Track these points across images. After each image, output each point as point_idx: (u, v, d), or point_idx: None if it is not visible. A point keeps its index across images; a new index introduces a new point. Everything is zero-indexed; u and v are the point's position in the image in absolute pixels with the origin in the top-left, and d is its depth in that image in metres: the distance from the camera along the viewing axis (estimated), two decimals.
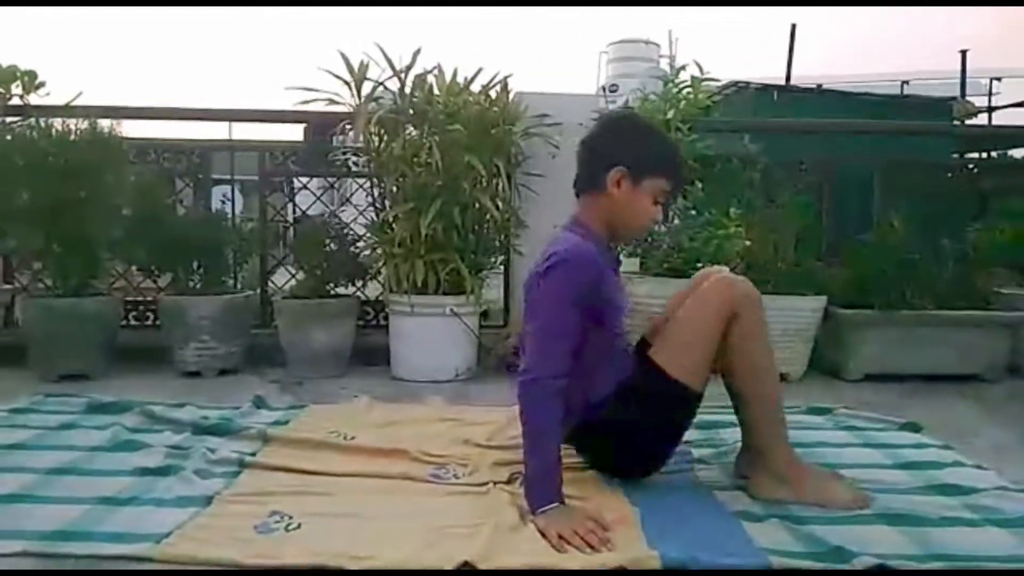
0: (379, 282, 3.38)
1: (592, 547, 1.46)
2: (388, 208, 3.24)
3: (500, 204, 3.18)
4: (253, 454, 2.00)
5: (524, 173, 3.38)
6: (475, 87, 3.22)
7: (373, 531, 1.54)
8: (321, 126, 3.73)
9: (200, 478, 1.81)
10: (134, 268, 3.46)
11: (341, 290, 3.33)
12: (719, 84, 3.82)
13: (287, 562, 1.40)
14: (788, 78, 6.86)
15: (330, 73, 3.16)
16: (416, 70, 3.19)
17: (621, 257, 2.50)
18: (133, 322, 3.47)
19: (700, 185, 3.27)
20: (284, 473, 1.88)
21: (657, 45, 9.36)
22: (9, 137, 3.09)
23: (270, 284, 3.63)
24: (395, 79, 3.19)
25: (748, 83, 5.16)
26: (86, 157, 3.00)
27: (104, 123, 3.13)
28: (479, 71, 3.22)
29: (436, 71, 3.22)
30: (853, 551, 1.43)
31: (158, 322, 3.31)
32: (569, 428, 1.71)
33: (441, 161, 2.98)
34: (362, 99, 3.19)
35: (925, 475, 1.92)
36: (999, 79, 8.79)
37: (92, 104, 3.28)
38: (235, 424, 2.25)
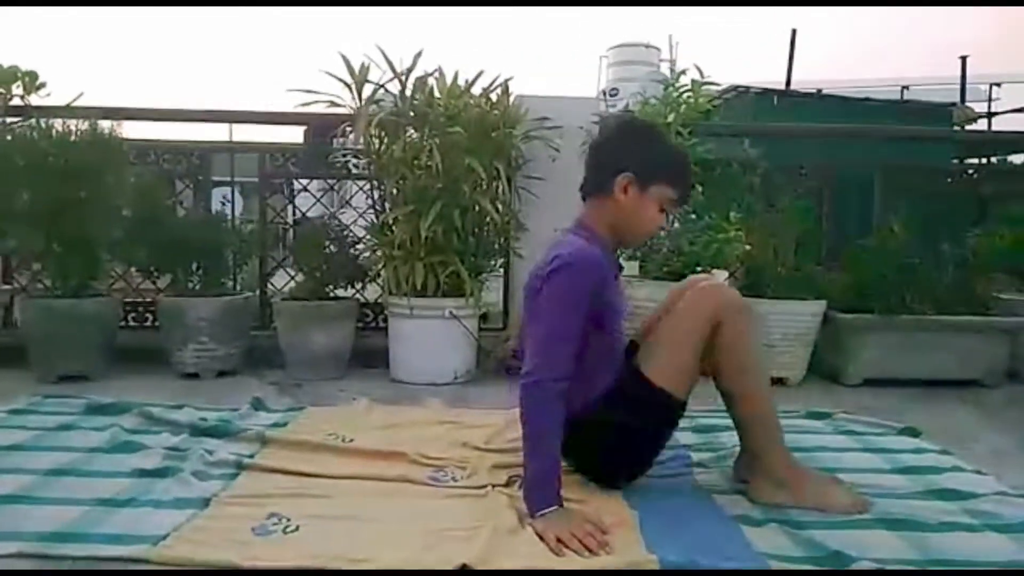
0: (378, 284, 3.39)
1: (591, 550, 1.46)
2: (388, 210, 3.24)
3: (500, 207, 3.18)
4: (251, 456, 2.00)
5: (524, 176, 3.38)
6: (476, 90, 3.22)
7: (371, 533, 1.54)
8: (321, 128, 3.74)
9: (198, 480, 1.81)
10: (133, 269, 3.45)
11: (340, 292, 3.33)
12: (719, 88, 3.84)
13: (285, 564, 1.40)
14: (788, 82, 6.86)
15: (331, 75, 3.16)
16: (417, 72, 3.20)
17: (621, 261, 2.49)
18: (132, 323, 3.47)
19: (700, 189, 3.27)
20: (282, 475, 1.88)
21: (657, 49, 9.39)
22: (10, 137, 3.09)
23: (269, 286, 3.63)
24: (396, 81, 3.19)
25: (748, 87, 5.17)
26: (86, 158, 3.00)
27: (104, 124, 3.13)
28: (480, 74, 3.23)
29: (437, 73, 3.22)
30: (852, 555, 1.43)
31: (157, 323, 3.31)
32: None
33: (441, 164, 2.98)
34: (363, 101, 3.19)
35: (924, 480, 1.92)
36: (999, 85, 8.80)
37: (93, 105, 3.28)
38: (233, 426, 2.25)
